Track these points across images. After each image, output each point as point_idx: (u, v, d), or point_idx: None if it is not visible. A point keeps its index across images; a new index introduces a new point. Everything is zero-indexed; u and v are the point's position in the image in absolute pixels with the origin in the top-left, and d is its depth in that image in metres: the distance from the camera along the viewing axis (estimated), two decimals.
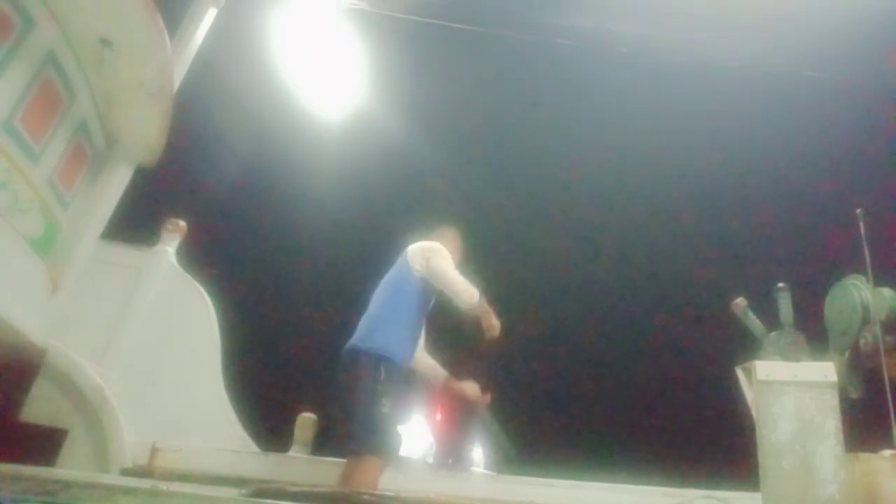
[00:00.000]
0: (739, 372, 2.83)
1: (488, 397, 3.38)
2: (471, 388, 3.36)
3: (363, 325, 3.16)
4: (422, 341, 3.50)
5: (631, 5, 6.03)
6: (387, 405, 2.91)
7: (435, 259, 3.14)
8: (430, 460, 3.86)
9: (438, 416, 3.79)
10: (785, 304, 2.75)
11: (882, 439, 2.50)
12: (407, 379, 3.17)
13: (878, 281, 2.76)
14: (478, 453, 4.36)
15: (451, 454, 3.48)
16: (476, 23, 5.61)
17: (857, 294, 2.78)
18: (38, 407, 3.21)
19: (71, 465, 3.13)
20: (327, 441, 3.74)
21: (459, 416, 3.44)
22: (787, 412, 2.42)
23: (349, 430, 2.89)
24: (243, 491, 2.11)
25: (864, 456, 2.47)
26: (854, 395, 2.77)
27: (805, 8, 5.68)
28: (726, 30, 6.00)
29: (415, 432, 3.66)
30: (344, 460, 3.06)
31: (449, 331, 3.54)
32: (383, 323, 3.10)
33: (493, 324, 3.02)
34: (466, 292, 3.04)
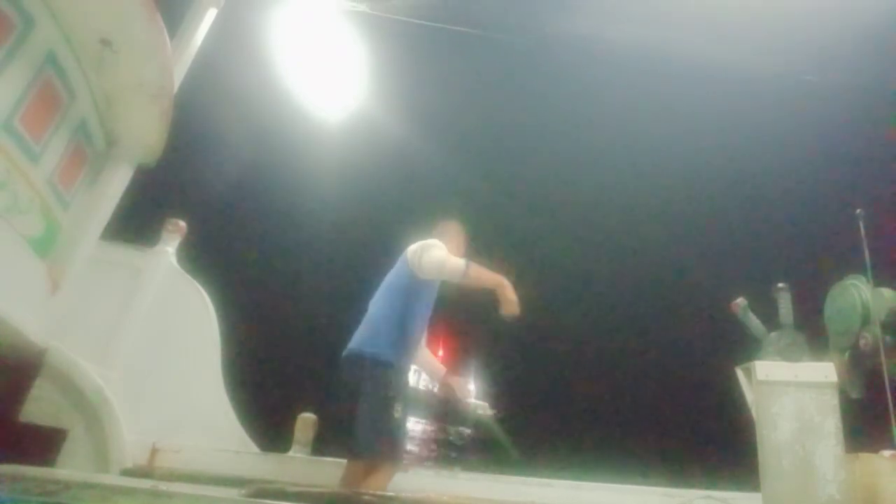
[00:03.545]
0: (739, 372, 2.83)
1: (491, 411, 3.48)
2: (463, 385, 3.41)
3: (364, 328, 3.08)
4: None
5: (628, 9, 6.01)
6: (398, 409, 2.89)
7: (426, 254, 3.04)
8: (435, 390, 3.90)
9: (441, 353, 3.82)
10: (785, 305, 2.75)
11: (882, 439, 2.50)
12: (408, 379, 3.15)
13: (878, 281, 2.76)
14: (473, 386, 4.54)
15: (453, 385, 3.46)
16: (474, 25, 5.61)
17: (857, 294, 2.79)
18: (39, 407, 3.21)
19: (71, 466, 3.13)
20: (327, 441, 3.74)
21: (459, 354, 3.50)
22: (787, 412, 2.43)
23: (362, 438, 2.81)
24: (243, 491, 2.11)
25: (864, 456, 2.48)
26: (854, 395, 2.77)
27: (804, 10, 5.68)
28: (725, 32, 6.00)
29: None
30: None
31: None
32: (386, 326, 3.01)
33: (511, 298, 2.87)
34: (451, 265, 2.95)
